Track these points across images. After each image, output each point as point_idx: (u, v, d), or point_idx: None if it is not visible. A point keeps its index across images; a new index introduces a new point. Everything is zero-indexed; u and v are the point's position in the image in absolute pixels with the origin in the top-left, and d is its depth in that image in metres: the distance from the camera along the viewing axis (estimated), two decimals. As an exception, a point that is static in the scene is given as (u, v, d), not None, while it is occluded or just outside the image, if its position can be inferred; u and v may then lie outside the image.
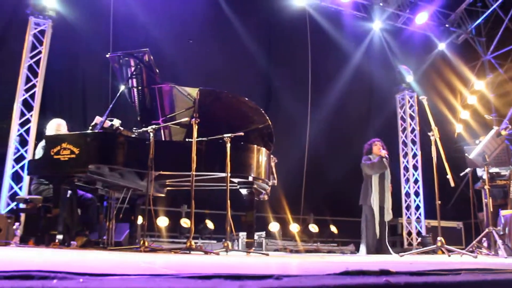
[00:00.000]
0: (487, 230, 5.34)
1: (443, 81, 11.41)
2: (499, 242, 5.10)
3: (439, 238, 4.80)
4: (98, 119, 5.07)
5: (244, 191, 5.13)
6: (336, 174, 9.75)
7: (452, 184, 5.10)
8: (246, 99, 5.50)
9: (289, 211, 9.05)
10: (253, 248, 5.23)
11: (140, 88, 5.48)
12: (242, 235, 7.27)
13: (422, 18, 10.86)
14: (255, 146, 5.15)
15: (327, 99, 10.27)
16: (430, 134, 5.21)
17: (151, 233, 7.61)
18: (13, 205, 6.85)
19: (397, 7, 10.91)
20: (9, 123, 7.23)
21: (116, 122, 5.14)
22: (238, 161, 4.92)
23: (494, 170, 6.60)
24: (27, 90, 7.42)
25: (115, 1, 8.28)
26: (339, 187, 9.49)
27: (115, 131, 5.04)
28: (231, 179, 4.86)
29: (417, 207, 10.65)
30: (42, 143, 5.05)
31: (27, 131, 7.32)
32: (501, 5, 11.07)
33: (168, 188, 6.00)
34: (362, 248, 6.71)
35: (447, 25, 11.48)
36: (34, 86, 7.45)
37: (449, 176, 5.07)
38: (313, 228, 9.24)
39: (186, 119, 4.90)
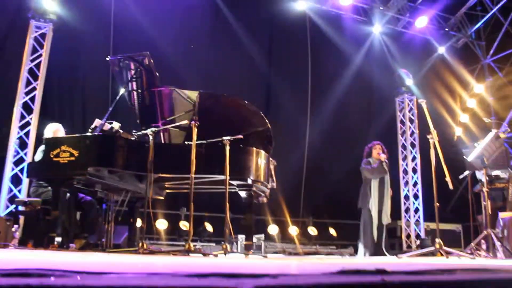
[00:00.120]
0: (485, 232, 5.33)
1: (442, 85, 11.42)
2: (498, 244, 5.10)
3: (437, 240, 4.79)
4: (97, 122, 5.07)
5: (243, 194, 5.14)
6: (335, 177, 9.75)
7: (451, 187, 5.10)
8: (246, 102, 5.52)
9: (288, 214, 9.04)
10: (252, 251, 5.23)
11: (140, 91, 5.49)
12: (241, 237, 7.27)
13: (422, 22, 10.89)
14: (254, 149, 5.15)
15: (327, 102, 10.28)
16: (429, 137, 5.21)
17: (150, 235, 7.60)
18: (12, 207, 6.85)
19: (397, 11, 10.94)
20: (9, 126, 7.25)
21: (116, 125, 5.15)
22: (237, 163, 4.92)
23: (493, 173, 6.61)
24: (27, 93, 7.44)
25: (116, 4, 8.31)
26: (338, 190, 9.49)
27: (115, 134, 5.05)
28: (230, 181, 4.86)
29: (416, 210, 10.66)
30: (42, 146, 5.06)
31: (27, 134, 7.34)
32: (501, 9, 11.11)
33: (167, 190, 6.00)
34: (361, 248, 6.70)
35: (447, 29, 11.52)
36: (34, 89, 7.47)
37: (447, 179, 5.07)
38: (312, 230, 9.24)
39: (186, 122, 4.91)
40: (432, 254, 5.29)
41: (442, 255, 4.87)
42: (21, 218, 6.18)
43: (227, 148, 4.71)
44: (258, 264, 2.64)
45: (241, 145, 5.05)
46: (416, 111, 11.05)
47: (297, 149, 9.90)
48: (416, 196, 10.74)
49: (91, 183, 4.99)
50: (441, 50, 11.53)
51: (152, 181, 4.57)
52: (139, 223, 5.85)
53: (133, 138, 5.24)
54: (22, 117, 7.38)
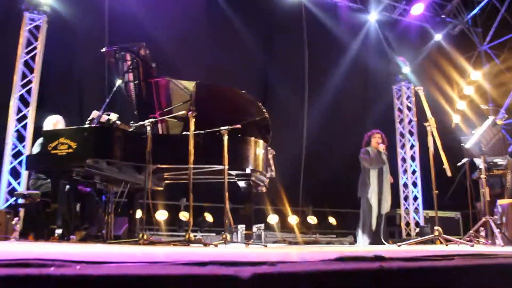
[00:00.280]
0: (484, 219, 5.36)
1: (439, 72, 11.41)
2: (496, 231, 5.13)
3: (436, 228, 4.82)
4: (95, 114, 5.07)
5: (242, 184, 5.16)
6: (334, 165, 9.76)
7: (449, 174, 5.12)
8: (243, 91, 5.51)
9: (288, 203, 9.05)
10: (252, 240, 5.26)
11: (136, 82, 5.48)
12: (241, 227, 7.30)
13: (418, 9, 10.84)
14: (253, 138, 5.16)
15: (324, 91, 10.27)
16: (426, 125, 5.21)
17: (150, 226, 7.59)
18: (12, 200, 6.87)
19: (393, -2, 10.91)
20: (6, 119, 7.24)
21: (113, 116, 5.15)
22: (235, 153, 4.93)
23: (492, 160, 6.62)
24: (23, 86, 7.43)
25: (110, -5, 8.26)
26: (337, 179, 9.51)
27: (112, 125, 5.05)
28: (229, 171, 4.87)
29: (415, 198, 10.70)
30: (40, 139, 5.06)
31: (24, 127, 7.33)
32: (497, -5, 11.08)
33: (166, 181, 6.01)
34: (360, 237, 6.73)
35: (443, 16, 11.47)
36: (30, 81, 7.45)
37: (446, 166, 5.09)
38: (312, 220, 9.27)
39: (183, 112, 4.90)
40: (432, 241, 5.32)
41: (441, 242, 4.90)
42: (21, 211, 6.21)
43: (225, 138, 4.71)
44: (257, 253, 2.65)
45: (239, 135, 5.06)
46: (414, 98, 11.05)
47: (295, 138, 9.91)
48: (415, 184, 10.77)
49: (90, 174, 5.00)
50: (438, 37, 11.49)
51: (150, 172, 4.57)
52: (139, 214, 5.86)
53: (130, 130, 5.23)
54: (19, 110, 7.36)
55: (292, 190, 9.42)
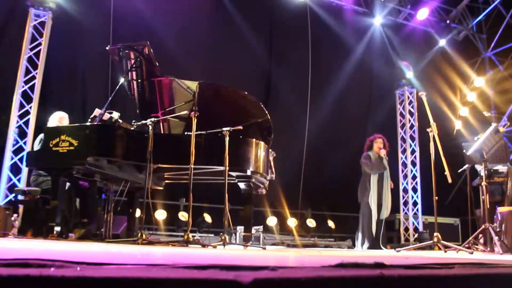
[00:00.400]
0: (483, 226, 5.34)
1: (443, 78, 11.39)
2: (495, 238, 5.12)
3: (435, 234, 4.81)
4: (97, 112, 5.07)
5: (242, 185, 5.15)
6: (335, 169, 9.76)
7: (450, 181, 5.10)
8: (246, 93, 5.51)
9: (287, 206, 9.06)
10: (251, 242, 5.25)
11: (139, 81, 5.48)
12: (240, 229, 7.29)
13: (423, 14, 10.84)
14: (254, 140, 5.15)
15: (327, 94, 10.27)
16: (428, 130, 5.20)
17: (149, 226, 7.62)
18: (11, 196, 6.87)
19: (398, 3, 10.89)
20: (9, 114, 7.24)
21: (115, 115, 5.15)
22: (236, 154, 4.93)
23: (493, 167, 6.61)
24: (26, 82, 7.43)
25: (116, -7, 8.26)
26: (337, 182, 9.51)
27: (114, 124, 5.05)
28: (230, 172, 4.87)
29: (415, 203, 10.68)
30: (41, 135, 5.06)
31: (26, 123, 7.33)
32: (503, 1, 11.05)
33: (166, 181, 6.01)
34: (359, 241, 6.72)
35: (448, 21, 11.46)
36: (33, 78, 7.46)
37: (447, 172, 5.07)
38: (311, 222, 9.27)
39: (185, 112, 4.90)
40: (430, 248, 5.31)
41: (440, 249, 4.88)
42: (21, 207, 6.20)
43: (227, 139, 4.71)
44: (258, 256, 2.65)
45: (241, 136, 5.06)
46: (416, 104, 11.04)
47: (296, 140, 9.90)
48: (414, 190, 10.76)
49: (91, 172, 4.99)
50: (442, 42, 11.48)
51: (151, 171, 4.57)
52: (138, 213, 5.86)
53: (132, 128, 5.23)
54: (22, 106, 7.36)
55: (292, 193, 9.42)
